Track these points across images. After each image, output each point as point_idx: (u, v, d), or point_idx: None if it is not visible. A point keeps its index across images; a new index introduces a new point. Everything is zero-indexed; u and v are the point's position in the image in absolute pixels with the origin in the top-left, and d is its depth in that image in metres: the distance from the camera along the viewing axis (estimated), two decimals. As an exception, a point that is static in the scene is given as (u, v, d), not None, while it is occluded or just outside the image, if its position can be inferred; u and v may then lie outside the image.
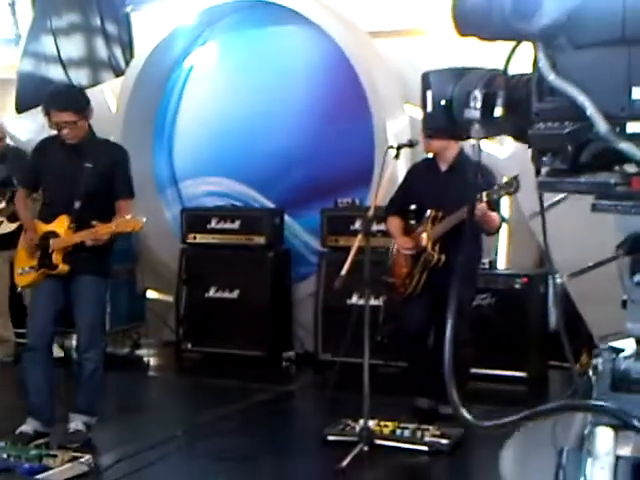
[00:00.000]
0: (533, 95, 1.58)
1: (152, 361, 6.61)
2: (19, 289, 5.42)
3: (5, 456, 4.26)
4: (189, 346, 7.04)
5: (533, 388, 5.92)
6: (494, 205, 4.93)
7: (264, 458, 4.65)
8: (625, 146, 1.28)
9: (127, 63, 8.18)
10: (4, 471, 4.15)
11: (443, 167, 5.18)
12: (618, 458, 1.36)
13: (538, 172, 1.51)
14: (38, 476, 4.00)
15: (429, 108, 1.84)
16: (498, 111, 1.66)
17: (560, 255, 5.33)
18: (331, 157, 7.15)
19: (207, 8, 7.50)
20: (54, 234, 4.79)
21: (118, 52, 8.61)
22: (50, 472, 4.07)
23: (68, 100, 4.78)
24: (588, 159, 1.39)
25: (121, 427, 5.28)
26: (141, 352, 7.14)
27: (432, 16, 6.57)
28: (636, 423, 1.25)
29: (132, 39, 8.44)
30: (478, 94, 1.70)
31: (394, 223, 5.33)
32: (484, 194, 4.75)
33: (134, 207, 4.87)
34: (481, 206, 4.73)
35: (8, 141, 7.24)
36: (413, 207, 5.25)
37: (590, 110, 1.32)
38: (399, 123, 6.65)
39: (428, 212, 5.09)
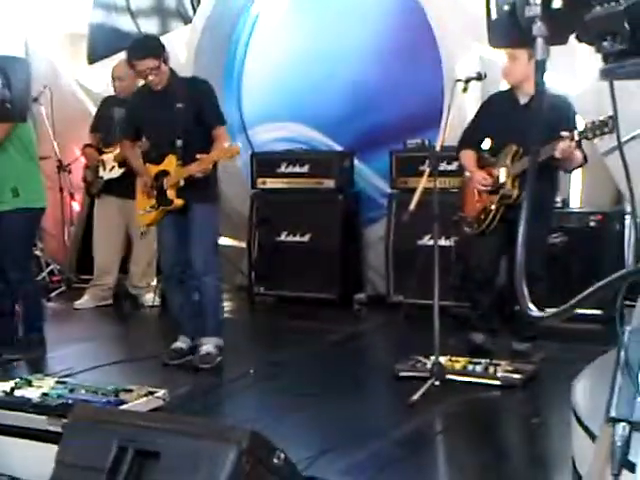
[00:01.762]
0: None
1: (225, 305, 6.69)
2: (143, 229, 5.85)
3: (83, 392, 4.38)
4: (261, 290, 7.12)
5: (609, 326, 5.82)
6: (589, 139, 4.76)
7: (336, 394, 4.68)
8: None
9: (195, 11, 8.21)
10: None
11: (523, 99, 5.02)
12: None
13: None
14: (122, 407, 4.10)
15: (494, 16, 1.80)
16: (557, 2, 1.60)
17: (637, 192, 5.19)
18: (400, 99, 7.08)
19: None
20: (165, 173, 5.20)
21: (186, 0, 8.64)
22: (128, 405, 4.17)
23: (145, 48, 5.15)
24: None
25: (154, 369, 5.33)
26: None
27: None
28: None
29: (199, -14, 8.44)
30: None
31: (468, 156, 5.18)
32: (575, 133, 4.63)
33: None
34: (569, 144, 4.62)
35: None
36: (487, 141, 5.15)
37: None
38: (468, 62, 6.53)
39: (510, 146, 4.98)
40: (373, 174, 7.33)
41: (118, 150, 6.87)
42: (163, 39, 7.93)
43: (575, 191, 6.39)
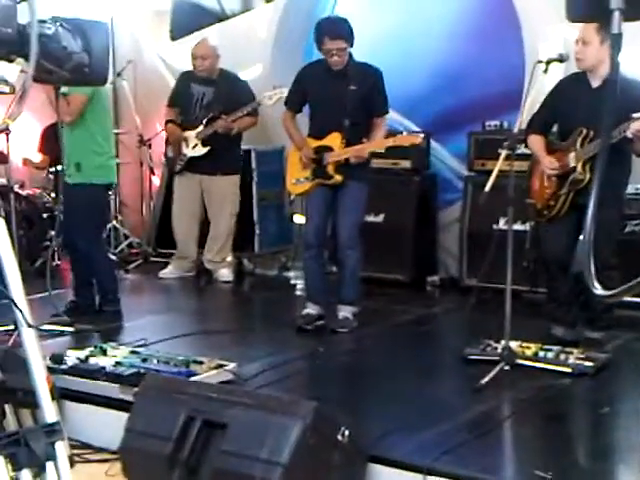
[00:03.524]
0: None
1: (298, 283, 6.75)
2: (292, 197, 6.15)
3: (155, 362, 4.47)
4: (333, 269, 7.13)
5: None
6: None
7: (405, 375, 4.70)
8: None
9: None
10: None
11: (595, 83, 4.91)
12: None
13: None
14: (193, 378, 4.17)
15: None
16: None
17: None
18: (480, 80, 6.97)
19: None
20: (328, 148, 5.46)
21: (269, -22, 8.66)
22: (199, 377, 4.25)
23: (340, 29, 5.43)
24: None
25: (267, 341, 5.45)
26: (289, 274, 7.29)
27: None
28: None
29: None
30: None
31: (537, 141, 5.09)
32: None
33: None
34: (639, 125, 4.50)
35: (221, 65, 7.19)
36: (558, 126, 5.06)
37: None
38: (551, 43, 6.41)
39: (580, 130, 4.88)
40: (450, 156, 7.26)
41: (201, 128, 6.96)
42: (246, 15, 8.14)
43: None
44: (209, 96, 7.08)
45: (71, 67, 2.49)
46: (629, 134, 4.49)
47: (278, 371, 4.62)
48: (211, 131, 6.93)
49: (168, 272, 7.34)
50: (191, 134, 7.07)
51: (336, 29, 5.43)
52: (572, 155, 4.87)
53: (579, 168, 4.84)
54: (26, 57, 2.31)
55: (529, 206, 5.18)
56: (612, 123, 4.45)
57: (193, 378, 4.18)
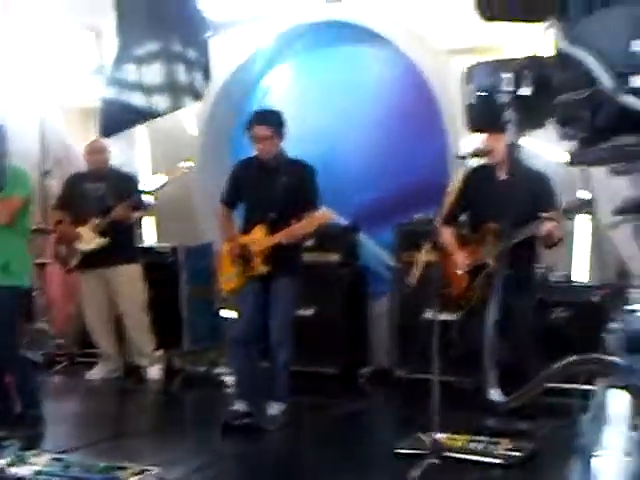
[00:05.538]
0: (555, 69, 1.58)
1: (228, 379, 6.66)
2: (224, 295, 6.06)
3: (77, 469, 4.33)
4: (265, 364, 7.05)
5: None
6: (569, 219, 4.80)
7: (336, 472, 4.63)
8: (627, 100, 1.27)
9: (206, 86, 8.33)
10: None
11: (502, 175, 5.07)
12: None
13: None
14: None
15: (471, 101, 1.86)
16: (525, 90, 1.66)
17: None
18: (405, 173, 7.12)
19: (285, 30, 7.60)
20: (253, 242, 5.46)
21: (198, 77, 8.78)
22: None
23: (269, 117, 5.58)
24: (603, 123, 1.37)
25: (193, 442, 5.34)
26: (219, 370, 7.18)
27: (506, 32, 6.48)
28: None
29: (209, 64, 8.58)
30: (507, 77, 1.72)
31: (450, 235, 5.25)
32: (557, 213, 4.64)
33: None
34: (552, 225, 4.64)
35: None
36: (468, 217, 5.17)
37: (596, 69, 1.31)
38: (472, 138, 6.56)
39: (489, 225, 4.99)
40: (379, 248, 7.32)
41: (97, 220, 6.92)
42: (176, 113, 8.21)
43: (580, 265, 6.36)
44: (102, 190, 7.10)
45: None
46: (541, 233, 4.64)
47: (205, 474, 4.51)
48: (108, 221, 6.90)
49: (95, 373, 7.20)
50: (85, 229, 7.01)
51: (264, 116, 5.59)
52: (484, 250, 4.97)
53: (492, 263, 4.93)
54: None
55: (445, 296, 5.22)
56: (520, 219, 4.61)
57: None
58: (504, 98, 1.70)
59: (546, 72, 1.66)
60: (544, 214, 4.61)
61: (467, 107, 1.89)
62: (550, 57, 1.71)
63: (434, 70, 6.82)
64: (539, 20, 1.62)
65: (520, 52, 1.99)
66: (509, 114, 1.69)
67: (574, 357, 1.38)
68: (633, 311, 1.40)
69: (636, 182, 1.38)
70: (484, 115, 1.84)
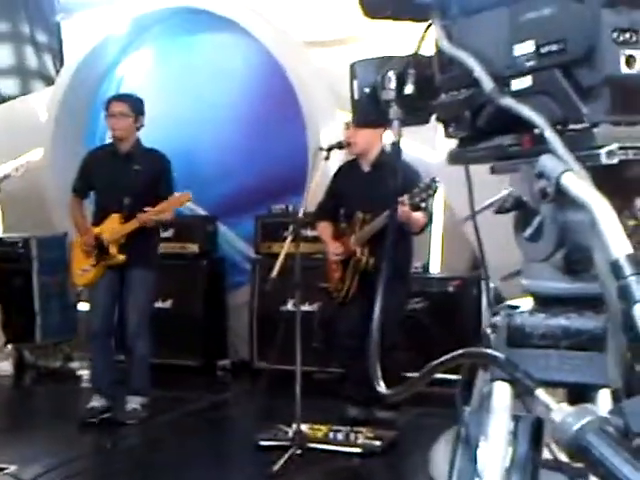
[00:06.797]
0: (436, 68, 1.61)
1: (84, 374, 6.48)
2: (79, 288, 5.97)
3: None
4: (121, 357, 6.91)
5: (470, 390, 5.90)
6: (419, 205, 4.87)
7: (197, 465, 4.58)
8: (507, 102, 1.31)
9: (57, 72, 8.07)
10: None
11: (366, 167, 5.17)
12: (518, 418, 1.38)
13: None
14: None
15: (356, 97, 1.88)
16: (409, 89, 1.69)
17: (493, 258, 5.34)
18: (265, 165, 7.10)
19: (139, 16, 7.44)
20: (107, 231, 5.34)
21: (49, 61, 8.50)
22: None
23: (126, 96, 5.71)
24: (484, 124, 1.41)
25: (49, 439, 5.16)
26: (73, 365, 6.99)
27: (365, 24, 6.57)
28: (520, 376, 1.26)
29: (62, 48, 8.32)
30: (392, 74, 1.74)
31: (323, 227, 5.33)
32: (405, 198, 4.74)
33: None
34: (404, 210, 4.71)
35: None
36: (342, 210, 5.24)
37: (477, 71, 1.35)
38: (332, 130, 6.64)
39: (356, 215, 5.08)
40: (238, 239, 7.30)
41: None
42: (24, 98, 7.91)
43: (435, 256, 6.54)
44: None
45: None
46: (400, 219, 4.72)
47: (62, 471, 4.37)
48: None
49: None
50: None
51: (123, 95, 5.73)
52: (352, 239, 5.05)
53: (358, 252, 5.02)
54: None
55: (322, 290, 5.29)
56: (384, 206, 4.68)
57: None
58: (389, 95, 1.72)
59: (428, 72, 1.69)
60: (401, 198, 4.69)
61: (352, 103, 1.91)
62: (431, 56, 1.74)
63: (292, 61, 6.83)
64: (425, 20, 1.64)
65: (401, 49, 2.03)
66: (394, 111, 1.71)
67: (462, 350, 1.41)
68: (514, 307, 1.44)
69: (515, 180, 1.42)
70: (369, 111, 1.86)
